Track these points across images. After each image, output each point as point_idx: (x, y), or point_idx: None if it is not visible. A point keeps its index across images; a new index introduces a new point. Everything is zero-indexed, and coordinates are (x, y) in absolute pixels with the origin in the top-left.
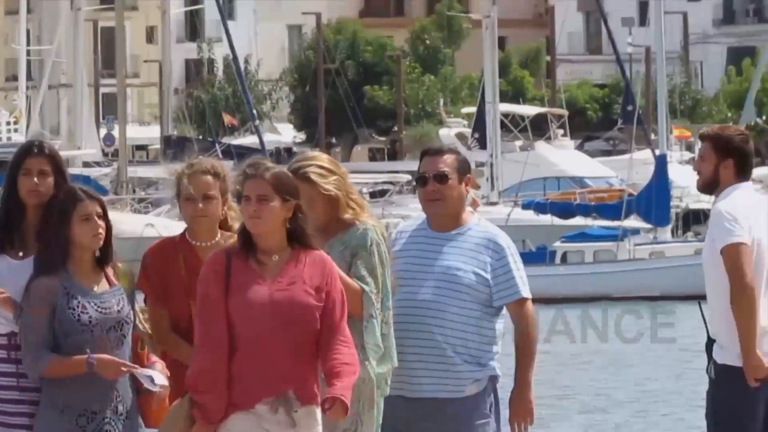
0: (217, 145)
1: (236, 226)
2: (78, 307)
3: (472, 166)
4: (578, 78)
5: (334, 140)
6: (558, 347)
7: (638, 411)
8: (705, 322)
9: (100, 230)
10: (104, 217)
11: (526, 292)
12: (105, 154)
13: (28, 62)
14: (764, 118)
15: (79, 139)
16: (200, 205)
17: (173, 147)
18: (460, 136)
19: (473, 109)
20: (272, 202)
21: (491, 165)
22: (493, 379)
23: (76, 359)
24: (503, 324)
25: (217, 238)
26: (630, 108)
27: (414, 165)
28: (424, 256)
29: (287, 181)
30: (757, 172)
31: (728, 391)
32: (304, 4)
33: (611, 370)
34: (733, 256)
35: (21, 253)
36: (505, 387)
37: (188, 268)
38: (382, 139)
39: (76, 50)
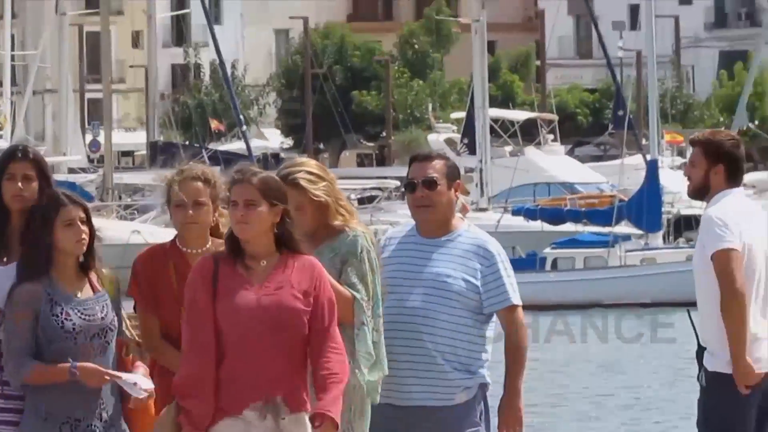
0: (204, 150)
1: None
2: (61, 314)
3: (462, 171)
4: (568, 82)
5: (321, 146)
6: (548, 354)
7: (632, 419)
8: (695, 330)
9: (84, 236)
10: (88, 222)
11: (516, 299)
12: (90, 161)
13: (13, 67)
14: (756, 122)
15: (65, 145)
16: (190, 211)
17: (159, 153)
18: (449, 142)
19: (462, 114)
20: (260, 207)
21: (481, 171)
22: (483, 386)
23: (59, 367)
24: (493, 330)
25: (207, 245)
26: (621, 113)
27: (403, 171)
28: (414, 262)
29: (275, 185)
30: (749, 177)
31: (719, 398)
32: (291, 9)
33: (605, 376)
34: (724, 262)
35: (5, 259)
36: (495, 395)
37: (179, 275)
38: (371, 144)
39: (61, 55)
